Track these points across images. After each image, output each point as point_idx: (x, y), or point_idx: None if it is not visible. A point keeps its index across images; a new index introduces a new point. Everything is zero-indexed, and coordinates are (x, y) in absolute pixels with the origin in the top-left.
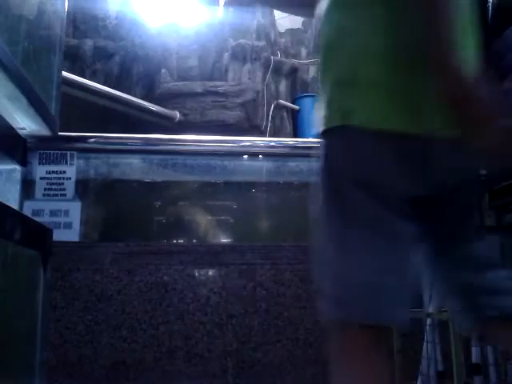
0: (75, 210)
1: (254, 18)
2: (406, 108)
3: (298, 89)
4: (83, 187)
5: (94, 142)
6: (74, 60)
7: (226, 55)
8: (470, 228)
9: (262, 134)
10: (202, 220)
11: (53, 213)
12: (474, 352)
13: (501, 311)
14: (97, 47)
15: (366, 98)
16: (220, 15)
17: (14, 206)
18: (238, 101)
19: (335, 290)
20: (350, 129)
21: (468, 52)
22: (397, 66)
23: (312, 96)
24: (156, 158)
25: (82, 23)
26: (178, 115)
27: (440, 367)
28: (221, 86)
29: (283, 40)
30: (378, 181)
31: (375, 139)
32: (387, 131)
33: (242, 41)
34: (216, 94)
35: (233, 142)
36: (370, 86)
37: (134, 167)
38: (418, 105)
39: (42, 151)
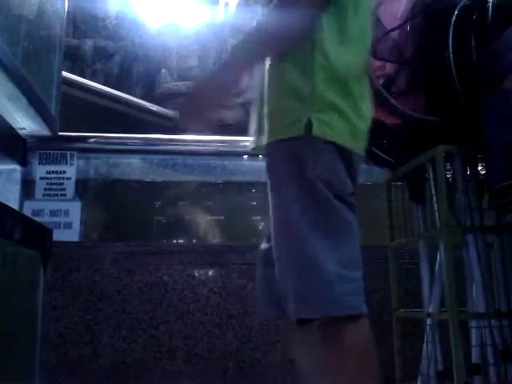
0: (75, 210)
1: (254, 18)
2: (354, 131)
3: None
4: (83, 187)
5: (94, 142)
6: (74, 60)
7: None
8: None
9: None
10: (202, 220)
11: (53, 213)
12: (474, 352)
13: None
14: (97, 47)
15: (323, 115)
16: (220, 15)
17: (14, 206)
18: (238, 101)
19: (317, 289)
20: (315, 139)
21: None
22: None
23: None
24: (156, 158)
25: (82, 23)
26: (178, 115)
27: (440, 367)
28: None
29: None
30: (341, 184)
31: (337, 152)
32: (342, 146)
33: None
34: None
35: (233, 142)
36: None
37: (134, 167)
38: (360, 129)
39: (42, 151)
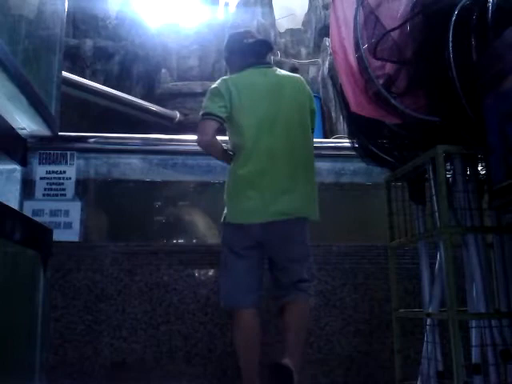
0: (75, 210)
1: (254, 18)
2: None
3: None
4: (83, 187)
5: (94, 142)
6: (74, 60)
7: None
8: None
9: None
10: (202, 220)
11: (53, 213)
12: (474, 352)
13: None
14: (97, 47)
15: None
16: (220, 15)
17: (14, 205)
18: None
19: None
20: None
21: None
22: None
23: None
24: (156, 158)
25: (81, 23)
26: (178, 115)
27: (440, 367)
28: None
29: (283, 40)
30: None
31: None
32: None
33: None
34: None
35: None
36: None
37: (134, 167)
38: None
39: (42, 151)
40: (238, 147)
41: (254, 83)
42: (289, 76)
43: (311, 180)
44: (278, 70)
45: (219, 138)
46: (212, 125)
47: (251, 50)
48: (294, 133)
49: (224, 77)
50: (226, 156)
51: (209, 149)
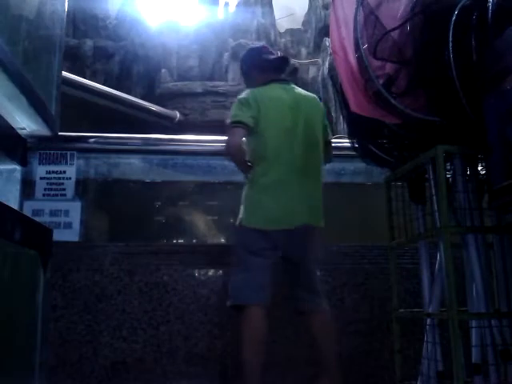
0: (75, 210)
1: (254, 18)
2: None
3: None
4: (83, 187)
5: (94, 142)
6: (74, 60)
7: (226, 55)
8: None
9: None
10: (202, 220)
11: (53, 213)
12: (474, 352)
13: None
14: (97, 47)
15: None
16: (220, 15)
17: (14, 205)
18: None
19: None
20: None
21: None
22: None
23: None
24: (156, 158)
25: (82, 23)
26: (178, 115)
27: (440, 367)
28: (221, 86)
29: (283, 40)
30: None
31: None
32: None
33: (242, 41)
34: (216, 94)
35: None
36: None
37: (133, 167)
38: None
39: (42, 151)
40: (259, 157)
41: (278, 98)
42: (306, 94)
43: (320, 190)
44: (296, 86)
45: (218, 137)
46: (241, 132)
47: (271, 66)
48: (310, 147)
49: (251, 89)
50: (246, 165)
51: (237, 155)
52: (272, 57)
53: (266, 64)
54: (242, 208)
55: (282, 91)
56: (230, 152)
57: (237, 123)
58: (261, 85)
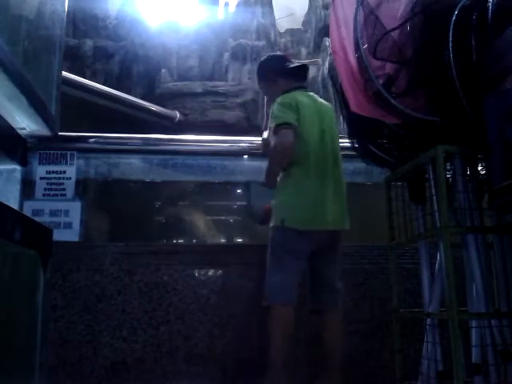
0: (75, 210)
1: (254, 18)
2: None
3: None
4: (83, 187)
5: (94, 142)
6: (74, 60)
7: (226, 55)
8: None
9: (262, 134)
10: (202, 220)
11: (53, 213)
12: (474, 352)
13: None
14: (97, 47)
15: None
16: (220, 15)
17: (14, 205)
18: (238, 101)
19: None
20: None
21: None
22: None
23: None
24: (156, 158)
25: (82, 23)
26: (178, 115)
27: (440, 367)
28: (221, 86)
29: (283, 40)
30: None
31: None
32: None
33: (242, 41)
34: (216, 94)
35: (233, 142)
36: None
37: (133, 167)
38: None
39: (42, 151)
40: (300, 159)
41: (308, 105)
42: (324, 102)
43: (345, 195)
44: (314, 94)
45: (218, 137)
46: (292, 133)
47: (294, 74)
48: (334, 152)
49: (287, 93)
50: (280, 170)
51: (288, 157)
52: (293, 64)
53: (290, 71)
54: (278, 209)
55: (308, 98)
56: (283, 153)
57: (286, 125)
58: (285, 91)
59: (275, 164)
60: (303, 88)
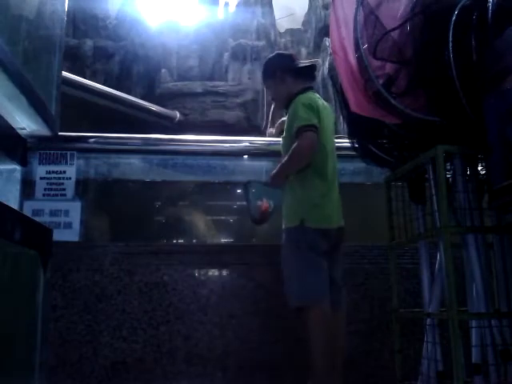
0: (75, 210)
1: (254, 18)
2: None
3: None
4: (83, 187)
5: (94, 142)
6: (74, 60)
7: (226, 55)
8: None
9: (261, 134)
10: (202, 220)
11: (53, 213)
12: (474, 352)
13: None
14: (97, 47)
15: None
16: (220, 15)
17: (14, 205)
18: (238, 101)
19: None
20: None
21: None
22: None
23: None
24: (156, 158)
25: (82, 23)
26: (178, 115)
27: (440, 367)
28: (221, 86)
29: (283, 40)
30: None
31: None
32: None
33: (242, 41)
34: (216, 93)
35: (233, 142)
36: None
37: (133, 167)
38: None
39: (42, 151)
40: (319, 160)
41: (324, 107)
42: (325, 103)
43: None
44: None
45: (218, 137)
46: (315, 136)
47: (302, 73)
48: (335, 152)
49: (305, 94)
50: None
51: (309, 159)
52: (303, 64)
53: (299, 70)
54: (296, 209)
55: (321, 101)
56: (306, 155)
57: (311, 127)
58: (299, 92)
59: (295, 164)
60: (312, 89)
